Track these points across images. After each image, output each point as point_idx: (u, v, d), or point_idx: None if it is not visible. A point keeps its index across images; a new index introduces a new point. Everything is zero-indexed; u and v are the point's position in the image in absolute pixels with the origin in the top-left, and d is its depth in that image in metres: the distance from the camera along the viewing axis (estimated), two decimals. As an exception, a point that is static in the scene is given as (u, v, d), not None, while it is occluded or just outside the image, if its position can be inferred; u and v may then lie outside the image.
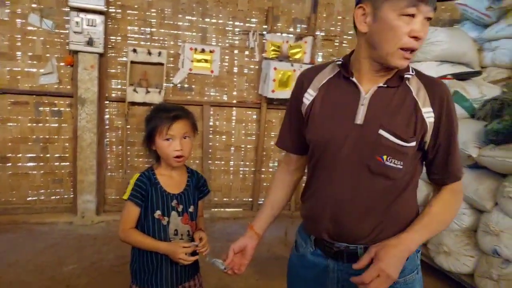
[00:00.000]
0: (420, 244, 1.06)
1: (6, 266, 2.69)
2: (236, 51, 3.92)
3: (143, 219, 1.43)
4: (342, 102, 1.07)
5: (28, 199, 3.59)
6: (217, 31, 3.84)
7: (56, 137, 3.58)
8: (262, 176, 4.18)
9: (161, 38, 3.70)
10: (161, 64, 3.63)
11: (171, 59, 3.73)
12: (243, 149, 4.13)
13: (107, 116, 3.68)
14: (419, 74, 1.07)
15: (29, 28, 3.35)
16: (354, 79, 1.06)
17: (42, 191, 3.62)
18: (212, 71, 3.85)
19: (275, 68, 3.71)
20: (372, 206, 1.05)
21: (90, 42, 3.28)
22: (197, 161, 3.98)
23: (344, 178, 1.05)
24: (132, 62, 3.55)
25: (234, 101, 4.02)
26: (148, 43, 3.66)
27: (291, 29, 4.02)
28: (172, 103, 3.59)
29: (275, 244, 3.29)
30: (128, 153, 3.77)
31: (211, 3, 3.77)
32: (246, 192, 4.21)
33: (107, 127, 3.69)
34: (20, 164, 3.52)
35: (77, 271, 2.70)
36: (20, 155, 3.51)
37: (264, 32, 3.88)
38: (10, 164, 3.49)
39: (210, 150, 4.01)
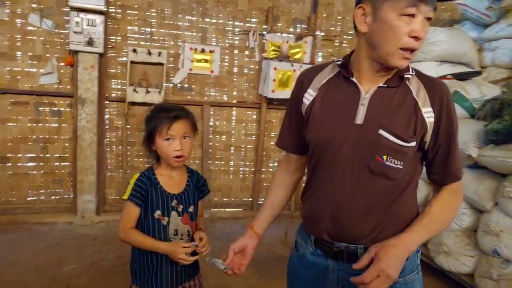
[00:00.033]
0: (420, 244, 1.05)
1: (6, 266, 2.69)
2: (236, 51, 3.92)
3: (143, 219, 1.43)
4: (342, 102, 1.07)
5: (28, 199, 3.59)
6: (217, 31, 3.84)
7: (56, 137, 3.58)
8: (262, 176, 4.18)
9: (161, 38, 3.70)
10: (161, 64, 3.63)
11: (171, 59, 3.74)
12: (243, 149, 4.13)
13: (107, 116, 3.68)
14: (419, 74, 1.07)
15: (29, 28, 3.35)
16: (354, 79, 1.06)
17: (42, 191, 3.62)
18: (212, 71, 3.85)
19: (275, 68, 3.71)
20: (372, 206, 1.05)
21: (90, 42, 3.28)
22: (197, 161, 3.98)
23: (344, 178, 1.05)
24: (132, 62, 3.55)
25: (234, 101, 4.02)
26: (148, 43, 3.66)
27: (291, 29, 4.02)
28: (172, 103, 3.59)
29: (275, 244, 3.29)
30: (128, 153, 3.77)
31: (211, 3, 3.77)
32: (246, 192, 4.21)
33: (107, 127, 3.70)
34: (20, 164, 3.52)
35: (77, 271, 2.70)
36: (20, 155, 3.51)
37: (264, 32, 3.88)
38: (10, 164, 3.49)
39: (210, 150, 4.02)
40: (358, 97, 1.05)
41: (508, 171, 2.39)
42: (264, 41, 3.89)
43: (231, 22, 3.86)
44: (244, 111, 4.07)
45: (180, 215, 1.46)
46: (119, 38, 3.59)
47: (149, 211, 1.42)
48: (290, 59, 3.88)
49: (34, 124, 3.50)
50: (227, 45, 3.89)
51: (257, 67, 3.98)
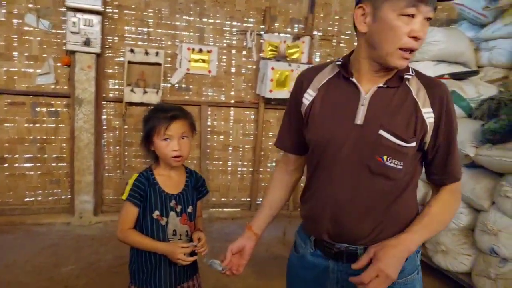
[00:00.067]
0: (419, 244, 1.06)
1: (4, 267, 2.68)
2: (233, 51, 3.92)
3: (141, 219, 1.43)
4: (342, 102, 1.07)
5: (25, 199, 3.57)
6: (215, 31, 3.84)
7: (53, 137, 3.57)
8: (260, 176, 4.18)
9: (159, 38, 3.69)
10: (159, 64, 3.62)
11: (169, 59, 3.73)
12: (241, 149, 4.13)
13: (104, 117, 3.67)
14: (419, 75, 1.07)
15: (26, 28, 3.33)
16: (353, 79, 1.06)
17: (40, 191, 3.60)
18: (209, 71, 3.85)
19: (272, 68, 3.71)
20: (372, 206, 1.05)
21: (87, 42, 3.27)
22: (195, 161, 3.97)
23: (344, 178, 1.05)
24: (129, 62, 3.54)
25: (232, 101, 4.02)
26: (146, 43, 3.65)
27: (289, 29, 4.02)
28: (170, 103, 3.59)
29: (273, 244, 3.29)
30: (126, 153, 3.76)
31: (209, 3, 3.77)
32: (244, 192, 4.20)
33: (104, 127, 3.68)
34: (17, 164, 3.50)
35: (75, 271, 2.69)
36: (17, 155, 3.49)
37: (262, 32, 3.88)
38: (7, 164, 3.47)
39: (208, 150, 4.01)
40: (358, 97, 1.05)
41: (505, 170, 2.40)
42: (261, 41, 3.89)
43: (228, 22, 3.86)
44: (242, 111, 4.07)
45: (178, 216, 1.46)
46: (116, 38, 3.58)
47: (147, 211, 1.42)
48: (288, 59, 3.88)
49: (31, 125, 3.49)
50: (224, 45, 3.88)
51: (254, 67, 3.98)
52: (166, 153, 1.40)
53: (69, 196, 3.67)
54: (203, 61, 3.81)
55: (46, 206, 3.62)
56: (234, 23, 3.88)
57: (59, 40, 3.40)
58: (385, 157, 1.02)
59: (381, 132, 1.01)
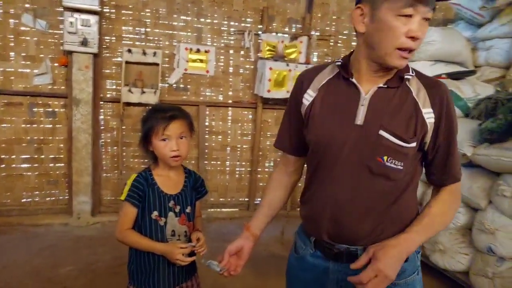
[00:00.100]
0: (419, 245, 1.05)
1: (1, 268, 2.67)
2: (231, 51, 3.92)
3: (140, 219, 1.43)
4: (342, 103, 1.06)
5: (22, 200, 3.56)
6: (212, 31, 3.84)
7: (50, 138, 3.56)
8: (258, 176, 4.18)
9: (156, 38, 3.69)
10: (156, 64, 3.61)
11: (166, 59, 3.72)
12: (239, 149, 4.13)
13: (102, 117, 3.66)
14: (419, 75, 1.07)
15: (23, 28, 3.32)
16: (353, 80, 1.06)
17: (37, 192, 3.59)
18: (207, 71, 3.85)
19: (270, 68, 3.71)
20: (372, 207, 1.05)
21: (84, 43, 3.26)
22: (193, 161, 3.97)
23: (344, 179, 1.05)
24: (127, 62, 3.53)
25: (230, 101, 4.01)
26: (143, 43, 3.64)
27: (286, 29, 4.03)
28: (168, 103, 3.58)
29: (272, 244, 3.29)
30: (124, 153, 3.75)
31: (206, 3, 3.76)
32: (242, 192, 4.20)
33: (102, 127, 3.67)
34: (14, 165, 3.49)
35: (73, 272, 2.68)
36: (14, 156, 3.48)
37: (259, 32, 3.88)
38: (4, 165, 3.46)
39: (206, 150, 4.01)
40: (357, 97, 1.04)
41: (502, 170, 2.41)
42: (259, 41, 3.89)
43: (226, 22, 3.86)
44: (239, 111, 4.07)
45: (177, 216, 1.45)
46: (114, 38, 3.57)
47: (146, 211, 1.42)
48: (286, 59, 3.88)
49: (28, 125, 3.48)
50: (222, 45, 3.88)
51: (252, 67, 3.98)
52: (164, 153, 1.40)
53: (66, 197, 3.66)
54: (201, 61, 3.80)
55: (43, 207, 3.61)
56: (232, 23, 3.87)
57: (56, 40, 3.39)
58: (385, 158, 1.02)
59: (381, 132, 1.01)
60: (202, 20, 3.79)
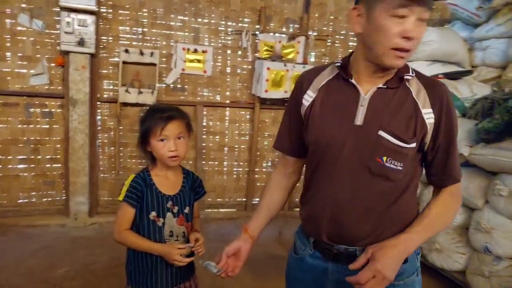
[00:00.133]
0: (419, 245, 1.05)
1: (-2, 270, 2.66)
2: (229, 51, 3.92)
3: (138, 220, 1.43)
4: (342, 103, 1.07)
5: (19, 201, 3.54)
6: (210, 31, 3.83)
7: (47, 138, 3.54)
8: (256, 176, 4.18)
9: (153, 38, 3.68)
10: (154, 64, 3.60)
11: (164, 59, 3.72)
12: (236, 149, 4.13)
13: (99, 117, 3.64)
14: (419, 75, 1.07)
15: (19, 28, 3.30)
16: (352, 81, 1.06)
17: (34, 193, 3.57)
18: (205, 71, 3.84)
19: (268, 68, 3.71)
20: (372, 207, 1.05)
21: (81, 43, 3.25)
22: (191, 162, 3.96)
23: (344, 179, 1.05)
24: (124, 62, 3.52)
25: (227, 101, 4.01)
26: (140, 43, 3.63)
27: (284, 29, 4.03)
28: (165, 103, 3.57)
29: (270, 244, 3.29)
30: (121, 154, 3.74)
31: (204, 3, 3.76)
32: (240, 193, 4.20)
33: (99, 128, 3.66)
34: (10, 166, 3.47)
35: (70, 273, 2.67)
36: (10, 157, 3.46)
37: (257, 32, 3.88)
38: (0, 166, 3.44)
39: (203, 151, 4.00)
40: (357, 98, 1.04)
41: (499, 169, 2.43)
42: (257, 41, 3.89)
43: (223, 22, 3.85)
44: (237, 111, 4.06)
45: (175, 216, 1.45)
46: (111, 38, 3.56)
47: (144, 212, 1.41)
48: (283, 59, 3.88)
49: (25, 126, 3.46)
50: (219, 45, 3.88)
51: (250, 67, 3.97)
52: (162, 154, 1.40)
53: (63, 198, 3.64)
54: (198, 61, 3.80)
55: (40, 207, 3.59)
56: (229, 23, 3.87)
57: (52, 40, 3.38)
58: (384, 158, 1.02)
59: (381, 133, 1.01)
60: (200, 20, 3.78)
